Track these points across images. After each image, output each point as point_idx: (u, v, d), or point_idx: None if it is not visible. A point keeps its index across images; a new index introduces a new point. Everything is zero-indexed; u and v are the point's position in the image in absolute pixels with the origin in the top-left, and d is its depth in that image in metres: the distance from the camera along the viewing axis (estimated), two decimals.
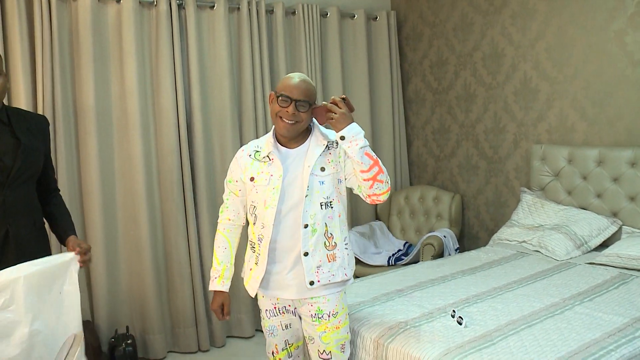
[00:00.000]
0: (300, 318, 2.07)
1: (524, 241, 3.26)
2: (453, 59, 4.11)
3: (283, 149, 1.97)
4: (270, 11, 3.75)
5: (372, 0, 4.39)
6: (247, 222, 2.11)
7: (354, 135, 1.85)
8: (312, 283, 1.94)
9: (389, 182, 1.95)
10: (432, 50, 4.27)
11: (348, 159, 1.94)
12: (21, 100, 2.97)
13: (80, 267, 1.92)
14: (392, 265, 3.71)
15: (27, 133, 1.97)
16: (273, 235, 1.93)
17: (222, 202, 2.13)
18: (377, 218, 4.31)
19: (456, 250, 3.71)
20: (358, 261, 3.79)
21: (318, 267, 1.94)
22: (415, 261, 3.65)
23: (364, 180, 1.90)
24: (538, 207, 3.40)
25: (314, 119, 1.98)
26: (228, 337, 3.66)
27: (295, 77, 1.91)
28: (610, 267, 2.80)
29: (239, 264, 2.15)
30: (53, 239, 2.18)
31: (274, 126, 1.98)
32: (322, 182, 1.93)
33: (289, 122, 1.89)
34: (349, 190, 2.06)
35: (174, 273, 3.43)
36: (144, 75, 3.32)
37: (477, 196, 4.06)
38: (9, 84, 2.12)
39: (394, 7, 4.51)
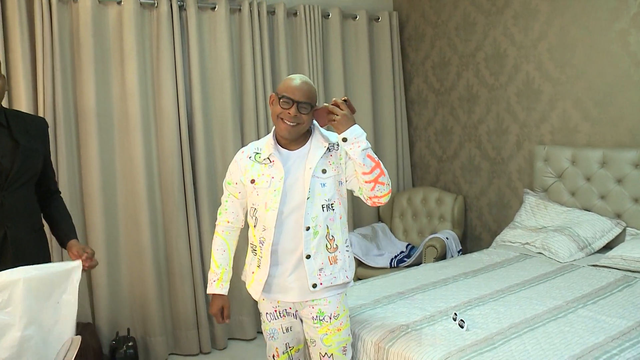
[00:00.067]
0: (301, 321, 2.06)
1: (527, 243, 3.24)
2: (455, 60, 4.09)
3: (284, 150, 1.96)
4: (271, 12, 3.74)
5: (374, 0, 4.38)
6: (246, 225, 2.10)
7: (356, 137, 1.84)
8: (314, 286, 1.93)
9: (390, 184, 1.94)
10: (435, 51, 4.25)
11: (349, 161, 1.94)
12: (22, 101, 2.97)
13: (84, 270, 1.90)
14: (394, 267, 3.69)
15: (26, 135, 1.97)
16: (275, 238, 1.92)
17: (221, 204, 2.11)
18: (380, 220, 4.29)
19: (459, 252, 3.69)
20: (360, 263, 3.78)
21: (320, 269, 1.94)
22: (417, 263, 3.64)
23: (366, 182, 1.89)
24: (541, 209, 3.38)
25: (315, 121, 1.97)
26: (229, 339, 3.65)
27: (297, 79, 1.90)
28: (614, 270, 2.78)
29: (237, 267, 2.14)
30: (53, 242, 2.18)
31: (274, 128, 1.97)
32: (324, 184, 1.92)
33: (291, 123, 1.87)
34: (351, 192, 2.05)
35: (175, 275, 3.42)
36: (144, 77, 3.31)
37: (480, 197, 4.04)
38: (7, 86, 2.11)
39: (396, 8, 4.50)
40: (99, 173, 3.20)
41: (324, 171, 1.92)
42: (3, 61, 2.92)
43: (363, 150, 1.84)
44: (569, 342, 1.97)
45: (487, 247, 3.52)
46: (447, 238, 3.63)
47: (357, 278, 3.70)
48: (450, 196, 4.03)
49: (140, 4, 3.28)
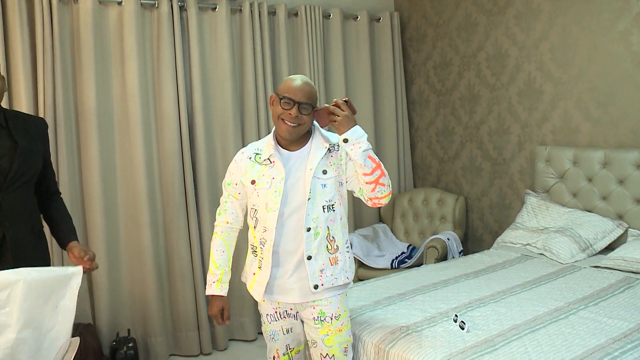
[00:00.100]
0: (302, 322, 2.05)
1: (528, 244, 3.23)
2: (457, 60, 4.08)
3: (284, 151, 1.95)
4: (272, 13, 3.74)
5: (375, 1, 4.37)
6: (245, 226, 2.09)
7: (357, 138, 1.84)
8: (316, 287, 1.93)
9: (391, 185, 1.94)
10: (436, 51, 4.24)
11: (350, 162, 1.93)
12: (22, 102, 2.97)
13: (85, 272, 1.90)
14: (395, 268, 3.68)
15: (25, 135, 1.96)
16: (275, 239, 1.91)
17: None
18: (381, 221, 4.28)
19: (460, 253, 3.68)
20: (361, 264, 3.78)
21: (321, 270, 1.93)
22: (418, 264, 3.63)
23: (366, 183, 1.88)
24: (543, 210, 3.36)
25: (315, 122, 1.96)
26: (230, 340, 3.65)
27: (298, 79, 1.90)
28: (616, 271, 2.77)
29: (237, 267, 2.13)
30: (53, 243, 2.17)
31: (274, 128, 1.97)
32: (325, 185, 1.91)
33: (292, 124, 1.87)
34: (351, 193, 2.05)
35: (175, 276, 3.42)
36: (145, 78, 3.31)
37: (481, 198, 4.03)
38: (7, 87, 2.11)
39: (397, 8, 4.49)
40: (100, 174, 3.20)
41: (324, 172, 1.92)
42: (3, 61, 2.92)
43: (364, 151, 1.84)
44: (570, 343, 1.96)
45: (489, 248, 3.51)
46: (448, 239, 3.63)
47: (358, 279, 3.70)
48: (451, 197, 4.02)
49: (141, 4, 3.27)
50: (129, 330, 3.25)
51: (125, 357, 3.05)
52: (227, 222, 2.06)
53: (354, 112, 1.89)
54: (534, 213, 3.39)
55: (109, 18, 3.24)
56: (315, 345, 2.02)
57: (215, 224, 2.09)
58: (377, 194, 1.91)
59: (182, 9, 3.40)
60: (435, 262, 3.45)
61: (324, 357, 2.01)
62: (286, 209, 1.91)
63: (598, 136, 3.29)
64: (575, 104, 3.38)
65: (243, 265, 2.12)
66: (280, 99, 1.87)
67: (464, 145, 4.11)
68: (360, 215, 4.20)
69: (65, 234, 2.09)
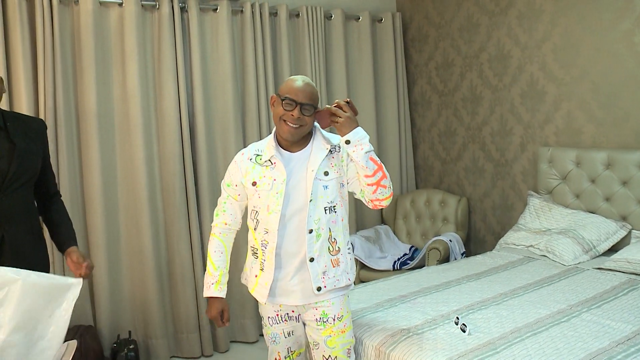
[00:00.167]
0: (303, 324, 2.04)
1: (531, 245, 3.21)
2: (459, 61, 4.07)
3: (285, 152, 1.94)
4: (273, 13, 3.73)
5: (377, 1, 4.36)
6: (244, 227, 2.08)
7: (359, 139, 1.83)
8: (319, 289, 1.92)
9: (392, 187, 1.93)
10: (438, 52, 4.22)
11: (351, 163, 1.92)
12: (23, 103, 2.97)
13: (79, 276, 1.89)
14: (397, 270, 3.66)
15: (24, 136, 1.96)
16: (278, 241, 1.90)
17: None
18: (383, 222, 4.27)
19: (462, 254, 3.66)
20: (363, 266, 3.76)
21: (324, 272, 1.92)
22: (420, 266, 3.61)
23: (368, 185, 1.87)
24: (545, 211, 3.34)
25: (316, 122, 1.95)
26: (232, 342, 3.64)
27: (299, 80, 1.88)
28: (619, 273, 2.74)
29: (237, 268, 2.12)
30: (53, 245, 2.16)
31: (274, 129, 1.95)
32: (326, 187, 1.90)
33: (294, 125, 1.86)
34: (352, 195, 2.03)
35: (176, 277, 3.41)
36: (146, 79, 3.30)
37: (484, 199, 4.01)
38: (6, 88, 2.11)
39: (399, 9, 4.48)
40: (100, 175, 3.20)
41: (326, 173, 1.90)
42: (4, 63, 2.92)
43: (366, 152, 1.83)
44: (573, 347, 1.94)
45: (491, 250, 3.48)
46: (450, 240, 3.61)
47: (360, 280, 3.68)
48: (453, 198, 4.01)
49: (142, 5, 3.27)
50: (129, 332, 3.24)
51: (126, 359, 3.04)
52: (226, 224, 2.04)
53: (355, 113, 1.88)
54: (537, 214, 3.37)
55: (109, 19, 3.24)
56: (317, 347, 2.01)
57: (212, 224, 2.07)
58: (379, 196, 1.90)
59: (183, 10, 3.39)
60: (437, 264, 3.43)
61: (327, 359, 1.99)
62: (288, 210, 1.89)
63: (601, 137, 3.27)
64: (578, 105, 3.36)
65: (242, 266, 2.11)
66: (282, 100, 1.86)
67: (466, 146, 4.09)
68: (362, 217, 4.19)
69: (65, 238, 2.08)
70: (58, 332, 1.74)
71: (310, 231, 1.89)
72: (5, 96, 2.92)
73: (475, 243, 4.09)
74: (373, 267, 3.71)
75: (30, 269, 1.77)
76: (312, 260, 1.90)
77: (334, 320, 1.96)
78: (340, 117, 1.83)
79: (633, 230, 3.03)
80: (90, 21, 3.12)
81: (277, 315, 2.01)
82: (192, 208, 3.41)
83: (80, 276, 1.88)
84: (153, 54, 3.35)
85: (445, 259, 3.53)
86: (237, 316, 3.61)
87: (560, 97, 3.44)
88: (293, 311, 2.00)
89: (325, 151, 1.92)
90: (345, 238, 1.98)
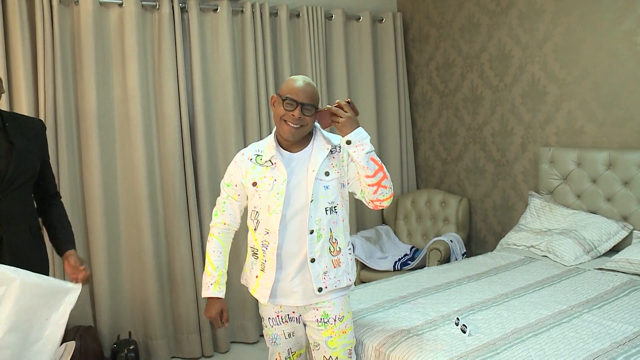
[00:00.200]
0: (304, 325, 2.03)
1: (531, 246, 3.20)
2: (460, 61, 4.06)
3: (285, 152, 1.93)
4: (274, 14, 3.72)
5: (377, 1, 4.35)
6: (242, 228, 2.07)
7: (360, 139, 1.82)
8: (320, 290, 1.91)
9: (392, 187, 1.92)
10: (439, 52, 4.22)
11: (351, 163, 1.92)
12: (23, 104, 2.96)
13: (76, 281, 1.88)
14: (398, 270, 3.66)
15: (22, 137, 1.95)
16: (279, 241, 1.89)
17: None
18: (384, 222, 4.26)
19: (463, 254, 3.66)
20: (363, 266, 3.76)
21: (325, 273, 1.92)
22: (421, 266, 3.60)
23: (369, 185, 1.87)
24: (546, 211, 3.33)
25: (316, 123, 1.94)
26: (232, 342, 3.63)
27: (300, 80, 1.88)
28: (621, 273, 2.73)
29: (237, 269, 2.11)
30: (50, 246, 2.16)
31: (274, 129, 1.95)
32: (327, 187, 1.90)
33: (295, 125, 1.85)
34: (353, 195, 2.03)
35: (176, 278, 3.41)
36: (146, 79, 3.30)
37: (485, 200, 4.00)
38: (4, 89, 2.10)
39: (399, 9, 4.47)
40: (100, 175, 3.19)
41: (327, 174, 1.90)
42: (4, 63, 2.92)
43: (367, 153, 1.82)
44: (574, 348, 1.93)
45: (492, 250, 3.48)
46: (451, 241, 3.60)
47: (360, 281, 3.68)
48: (454, 198, 4.00)
49: (142, 5, 3.27)
50: (129, 332, 3.23)
51: None
52: (225, 224, 2.03)
53: (356, 113, 1.87)
54: (538, 215, 3.36)
55: (109, 19, 3.24)
56: (318, 348, 2.00)
57: (211, 224, 2.06)
58: (379, 197, 1.89)
59: (183, 10, 3.39)
60: (438, 264, 3.42)
61: None
62: (288, 211, 1.89)
63: (602, 137, 3.26)
64: (579, 105, 3.35)
65: (242, 266, 2.10)
66: (283, 100, 1.85)
67: (467, 146, 4.08)
68: (362, 217, 4.18)
69: (64, 241, 2.07)
70: (53, 336, 1.71)
71: (311, 232, 1.88)
72: (5, 96, 2.92)
73: (476, 243, 4.09)
74: (374, 268, 3.70)
75: (29, 270, 1.76)
76: (313, 260, 1.89)
77: (335, 320, 1.96)
78: (341, 117, 1.83)
79: (634, 231, 3.02)
80: (90, 21, 3.12)
81: (278, 316, 2.00)
82: (192, 208, 3.40)
83: (77, 281, 1.87)
84: (153, 54, 3.34)
85: (446, 259, 3.52)
86: (237, 317, 3.60)
87: (561, 97, 3.43)
88: (294, 312, 1.99)
89: (326, 151, 1.91)
90: (346, 238, 1.97)
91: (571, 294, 2.48)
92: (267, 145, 1.95)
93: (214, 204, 3.41)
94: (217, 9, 3.48)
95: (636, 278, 2.65)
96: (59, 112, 3.05)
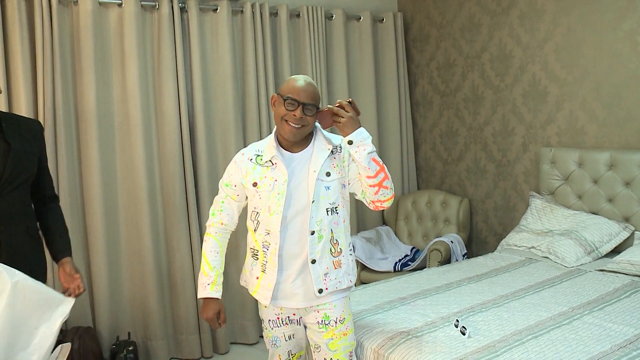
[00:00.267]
0: (304, 327, 2.02)
1: (532, 247, 3.18)
2: (460, 61, 4.04)
3: (286, 152, 1.92)
4: (274, 14, 3.71)
5: (378, 1, 4.34)
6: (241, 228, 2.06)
7: (362, 140, 1.81)
8: (320, 291, 1.90)
9: (393, 188, 1.91)
10: (440, 52, 4.20)
11: (352, 164, 1.91)
12: (22, 104, 2.96)
13: (68, 289, 1.86)
14: (398, 271, 3.64)
15: (19, 137, 1.94)
16: (280, 242, 1.88)
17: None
18: (384, 223, 4.25)
19: (464, 255, 3.64)
20: (364, 267, 3.74)
21: (325, 274, 1.90)
22: (422, 267, 3.59)
23: (370, 186, 1.86)
24: (547, 212, 3.32)
25: (317, 123, 1.93)
26: (232, 343, 3.62)
27: (301, 80, 1.86)
28: (622, 275, 2.71)
29: (237, 270, 2.10)
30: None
31: (274, 129, 1.93)
32: (328, 188, 1.88)
33: (296, 125, 1.84)
34: (353, 196, 2.02)
35: (176, 278, 3.40)
36: (146, 79, 3.29)
37: (486, 200, 3.98)
38: (0, 90, 2.09)
39: (400, 9, 4.46)
40: (100, 176, 3.19)
41: (328, 174, 1.88)
42: (3, 63, 2.91)
43: (369, 153, 1.81)
44: (574, 350, 1.91)
45: (493, 251, 3.46)
46: (451, 242, 3.58)
47: (361, 282, 3.66)
48: (455, 199, 3.98)
49: (141, 5, 3.26)
50: (129, 333, 3.23)
51: None
52: (222, 223, 2.01)
53: (358, 113, 1.86)
54: (539, 215, 3.35)
55: (109, 19, 3.23)
56: (318, 350, 1.99)
57: (208, 223, 2.03)
58: (380, 197, 1.88)
59: (182, 10, 3.38)
60: (438, 265, 3.41)
61: None
62: (289, 211, 1.87)
63: (603, 137, 3.24)
64: (580, 105, 3.33)
65: (242, 266, 2.08)
66: (284, 100, 1.83)
67: (468, 146, 4.07)
68: (363, 218, 4.17)
69: (60, 248, 2.07)
70: (41, 346, 1.66)
71: (312, 232, 1.87)
72: (4, 97, 2.91)
73: (477, 244, 4.07)
74: (374, 269, 3.69)
75: (27, 271, 1.76)
76: (313, 262, 1.88)
77: (335, 322, 1.95)
78: (342, 117, 1.82)
79: (636, 232, 3.01)
80: (90, 21, 3.11)
81: (278, 318, 1.99)
82: (192, 208, 3.39)
83: (70, 293, 1.86)
84: (153, 54, 3.34)
85: (447, 260, 3.51)
86: (237, 317, 3.59)
87: (562, 97, 3.42)
88: (294, 314, 1.98)
89: (327, 152, 1.90)
90: (346, 239, 1.96)
91: (572, 296, 2.46)
92: (268, 145, 1.93)
93: None
94: (217, 9, 3.47)
95: (637, 279, 2.63)
96: (58, 113, 3.05)
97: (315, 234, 1.87)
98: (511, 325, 2.14)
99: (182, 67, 3.35)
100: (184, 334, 3.41)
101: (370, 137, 1.83)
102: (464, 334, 2.06)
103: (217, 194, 2.05)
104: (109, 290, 3.24)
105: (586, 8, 3.24)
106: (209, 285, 1.96)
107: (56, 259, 2.02)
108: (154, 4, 3.29)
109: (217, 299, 1.99)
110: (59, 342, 1.80)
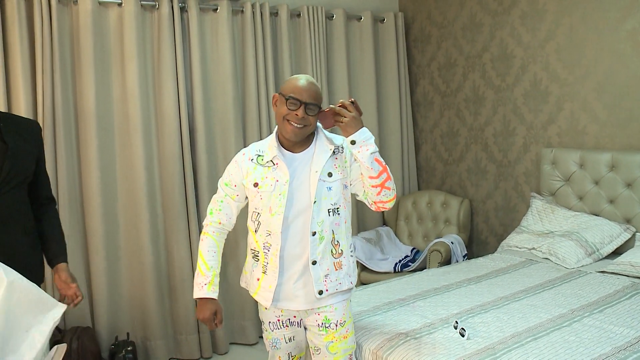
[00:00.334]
0: (305, 329, 2.01)
1: (533, 248, 3.17)
2: (461, 61, 4.03)
3: (287, 153, 1.90)
4: (274, 13, 3.70)
5: (379, 1, 4.32)
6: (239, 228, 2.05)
7: (365, 140, 1.80)
8: (321, 292, 1.88)
9: (395, 189, 1.89)
10: (441, 52, 4.19)
11: (354, 164, 1.89)
12: (21, 104, 2.95)
13: (67, 303, 1.86)
14: (398, 272, 3.63)
15: (16, 137, 1.93)
16: (281, 243, 1.86)
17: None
18: (384, 223, 4.24)
19: (464, 256, 3.63)
20: (364, 268, 3.73)
21: (326, 275, 1.89)
22: (422, 268, 3.58)
23: (372, 186, 1.84)
24: (548, 213, 3.30)
25: (318, 123, 1.91)
26: (231, 344, 3.61)
27: (303, 79, 1.85)
28: (623, 276, 2.70)
29: (237, 271, 2.08)
30: None
31: (275, 129, 1.92)
32: (330, 188, 1.87)
33: (298, 125, 1.82)
34: (355, 196, 2.01)
35: (175, 278, 3.39)
36: (145, 79, 3.28)
37: (486, 201, 3.97)
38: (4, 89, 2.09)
39: (401, 9, 4.44)
40: (99, 177, 3.18)
41: (329, 174, 1.87)
42: (2, 63, 2.91)
43: (372, 153, 1.80)
44: (574, 352, 1.90)
45: (494, 252, 3.45)
46: (452, 242, 3.57)
47: (361, 283, 3.65)
48: (456, 199, 3.97)
49: (141, 5, 3.25)
50: (128, 333, 3.22)
51: None
52: (220, 223, 1.98)
53: (360, 113, 1.85)
54: (539, 216, 3.33)
55: (108, 19, 3.22)
56: (318, 353, 1.98)
57: (205, 222, 2.00)
58: (382, 198, 1.87)
59: (182, 10, 3.37)
60: (438, 266, 3.39)
61: None
62: (291, 212, 1.86)
63: (605, 138, 3.23)
64: (581, 105, 3.32)
65: (242, 267, 2.07)
66: (286, 100, 1.82)
67: (469, 147, 4.05)
68: (363, 218, 4.16)
69: (55, 254, 2.06)
70: (31, 350, 1.63)
71: (314, 233, 1.85)
72: (3, 96, 2.91)
73: (478, 245, 4.06)
74: (374, 269, 3.68)
75: (24, 270, 1.75)
76: (314, 263, 1.87)
77: (336, 325, 1.93)
78: (345, 117, 1.80)
79: (637, 233, 2.99)
80: (89, 21, 3.11)
81: (279, 320, 1.98)
82: (191, 209, 3.38)
83: (66, 300, 1.86)
84: (152, 54, 3.33)
85: (447, 261, 3.49)
86: (237, 318, 3.58)
87: (563, 97, 3.40)
88: (295, 316, 1.97)
89: (329, 152, 1.88)
90: (348, 241, 1.95)
91: (572, 297, 2.45)
92: (269, 145, 1.91)
93: None
94: (217, 9, 3.46)
95: (638, 281, 2.61)
96: (58, 112, 3.04)
97: (317, 235, 1.86)
98: (511, 327, 2.13)
99: (182, 67, 3.34)
100: (183, 334, 3.40)
101: (373, 137, 1.82)
102: (463, 336, 2.05)
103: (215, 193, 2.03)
104: (108, 290, 3.23)
105: (588, 7, 3.23)
106: (206, 285, 1.93)
107: (51, 264, 2.02)
108: (153, 3, 3.29)
109: (214, 299, 1.96)
110: (56, 342, 1.79)
